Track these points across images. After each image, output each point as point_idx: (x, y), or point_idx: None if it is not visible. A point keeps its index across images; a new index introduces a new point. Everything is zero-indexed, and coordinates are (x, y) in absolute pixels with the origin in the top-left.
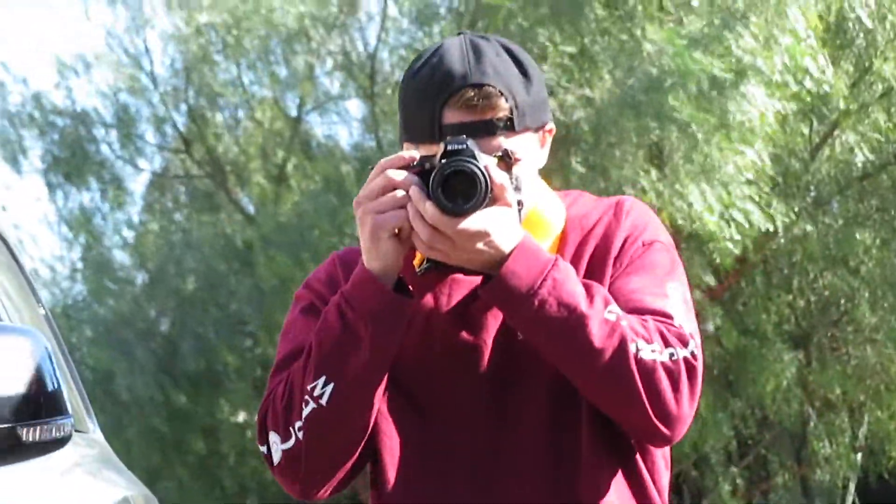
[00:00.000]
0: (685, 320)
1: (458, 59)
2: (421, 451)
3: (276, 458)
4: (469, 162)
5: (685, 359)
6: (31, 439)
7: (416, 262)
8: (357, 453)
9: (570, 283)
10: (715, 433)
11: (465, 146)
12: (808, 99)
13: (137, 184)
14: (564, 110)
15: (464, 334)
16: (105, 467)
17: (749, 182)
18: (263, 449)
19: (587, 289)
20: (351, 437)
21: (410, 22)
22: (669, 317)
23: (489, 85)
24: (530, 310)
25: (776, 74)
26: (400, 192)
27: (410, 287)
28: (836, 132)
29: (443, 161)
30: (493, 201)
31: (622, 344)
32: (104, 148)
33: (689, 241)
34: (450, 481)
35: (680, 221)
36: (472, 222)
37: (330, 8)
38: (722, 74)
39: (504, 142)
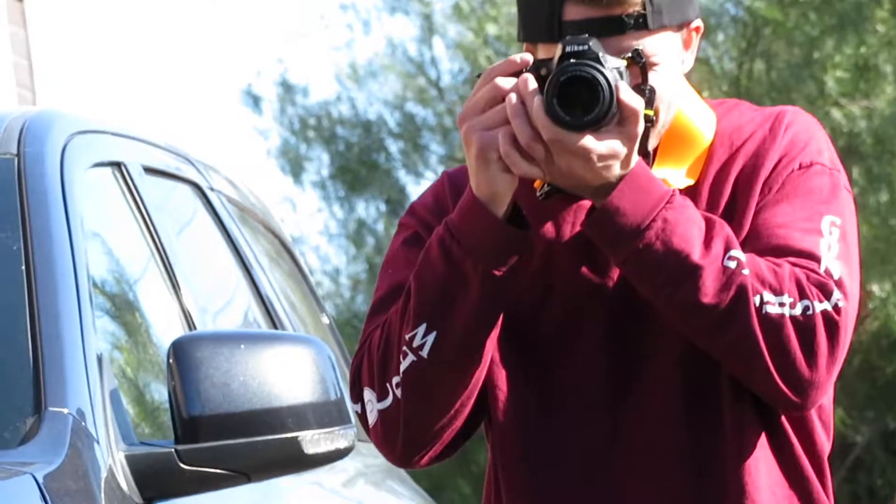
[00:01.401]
0: (835, 264)
1: None
2: (541, 408)
3: (372, 419)
4: (592, 66)
5: (825, 312)
6: (314, 449)
7: (536, 184)
8: (466, 413)
9: (684, 225)
10: None
11: (587, 47)
12: None
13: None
14: (849, 121)
15: (588, 270)
16: (388, 477)
17: None
18: (357, 408)
19: (708, 228)
20: (457, 395)
21: None
22: (816, 259)
23: None
24: (634, 254)
25: None
26: (514, 101)
27: (528, 216)
28: None
29: (560, 66)
30: (621, 122)
31: (741, 296)
32: (389, 158)
33: None
34: (577, 425)
35: None
36: (584, 140)
37: None
38: None
39: (636, 42)
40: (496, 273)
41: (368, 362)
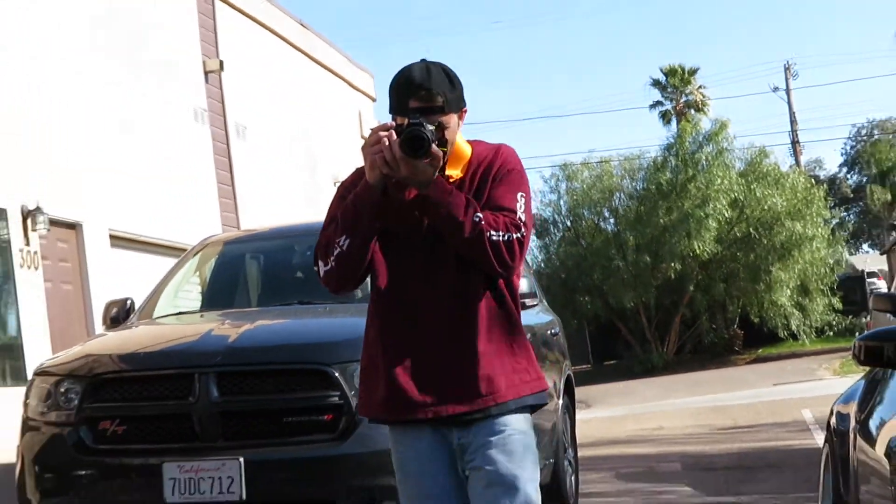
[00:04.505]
0: (523, 215)
1: (418, 74)
2: (394, 270)
3: (322, 273)
4: (421, 129)
5: (517, 238)
6: None
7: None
8: (361, 272)
9: (457, 203)
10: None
11: (419, 120)
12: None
13: None
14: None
15: (417, 216)
16: None
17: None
18: (316, 269)
19: (467, 203)
20: (359, 265)
21: None
22: (514, 212)
23: (433, 88)
24: (434, 215)
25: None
26: (385, 142)
27: (390, 191)
28: (741, 215)
29: (407, 128)
30: (431, 159)
31: (480, 233)
32: None
33: (695, 256)
34: (409, 283)
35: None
36: (418, 164)
37: None
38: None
39: (439, 118)
40: (375, 216)
41: (321, 250)
